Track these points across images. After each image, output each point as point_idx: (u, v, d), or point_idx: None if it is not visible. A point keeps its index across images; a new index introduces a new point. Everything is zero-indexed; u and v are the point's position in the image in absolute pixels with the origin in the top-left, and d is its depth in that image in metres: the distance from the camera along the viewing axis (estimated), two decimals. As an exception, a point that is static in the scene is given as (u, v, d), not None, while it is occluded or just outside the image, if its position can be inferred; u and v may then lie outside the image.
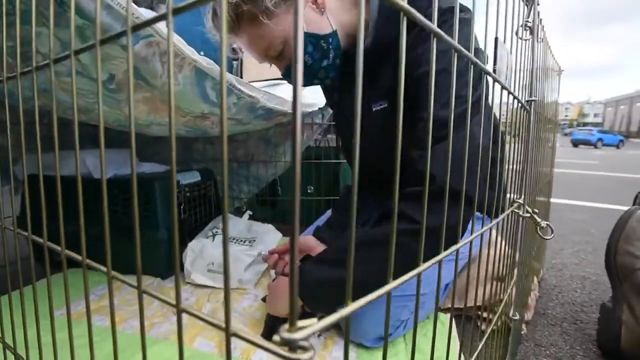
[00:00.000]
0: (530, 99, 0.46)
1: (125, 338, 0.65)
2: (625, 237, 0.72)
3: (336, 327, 0.70)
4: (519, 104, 0.46)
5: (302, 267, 0.60)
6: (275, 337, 0.14)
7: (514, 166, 0.48)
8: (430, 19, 0.20)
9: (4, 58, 0.35)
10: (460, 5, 0.58)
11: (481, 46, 0.33)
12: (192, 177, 1.04)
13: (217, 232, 0.97)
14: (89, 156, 0.95)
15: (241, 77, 1.11)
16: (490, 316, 0.50)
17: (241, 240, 0.98)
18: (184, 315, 0.18)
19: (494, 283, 0.55)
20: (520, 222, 0.50)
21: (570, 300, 0.90)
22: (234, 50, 1.35)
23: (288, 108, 0.87)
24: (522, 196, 0.50)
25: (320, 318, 0.15)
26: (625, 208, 0.77)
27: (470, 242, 0.33)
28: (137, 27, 0.19)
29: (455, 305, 0.75)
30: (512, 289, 0.54)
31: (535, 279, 0.88)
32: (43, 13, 0.41)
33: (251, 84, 0.74)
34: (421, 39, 0.57)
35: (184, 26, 0.82)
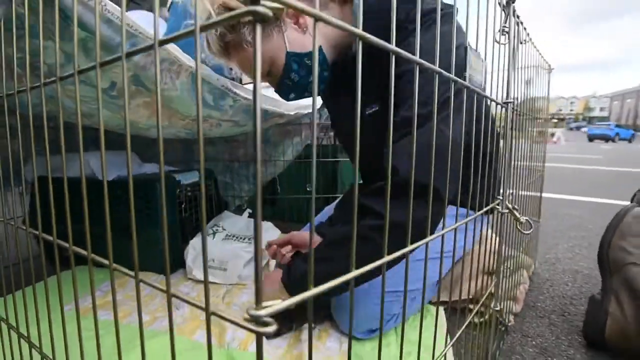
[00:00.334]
0: (507, 100, 0.48)
1: (130, 330, 0.69)
2: (620, 233, 0.74)
3: (330, 320, 0.73)
4: (497, 105, 0.49)
5: (291, 263, 0.63)
6: (245, 315, 0.17)
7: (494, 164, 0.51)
8: (414, 20, 0.23)
9: (14, 72, 0.38)
10: (443, 4, 0.60)
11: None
12: (193, 177, 1.07)
13: (217, 229, 1.01)
14: (92, 158, 0.98)
15: (241, 81, 1.14)
16: (473, 307, 0.53)
17: (241, 238, 1.01)
18: (186, 309, 0.21)
19: (483, 277, 0.58)
20: (500, 218, 0.53)
21: (561, 293, 0.93)
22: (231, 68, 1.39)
23: (284, 110, 0.90)
24: (501, 192, 0.52)
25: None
26: (625, 203, 0.78)
27: (442, 237, 0.35)
28: (163, 42, 0.22)
29: (444, 299, 0.78)
30: (493, 281, 0.56)
31: (525, 273, 0.90)
32: (49, 28, 0.44)
33: (246, 86, 0.77)
34: (404, 39, 0.60)
35: (179, 30, 0.85)
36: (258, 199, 0.17)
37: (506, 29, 0.49)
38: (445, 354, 0.38)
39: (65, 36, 0.47)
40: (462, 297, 0.73)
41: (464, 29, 0.57)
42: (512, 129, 0.51)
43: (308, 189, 1.43)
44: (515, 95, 0.56)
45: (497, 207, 0.52)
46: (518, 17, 0.55)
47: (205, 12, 0.54)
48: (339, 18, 0.65)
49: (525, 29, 0.62)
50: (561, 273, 1.06)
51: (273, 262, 1.01)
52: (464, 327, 0.46)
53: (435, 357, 0.38)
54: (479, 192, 0.49)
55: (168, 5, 0.97)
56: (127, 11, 1.05)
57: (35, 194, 0.35)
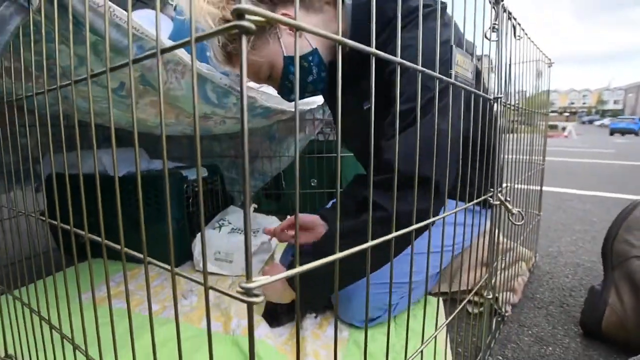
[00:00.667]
0: (497, 96, 0.50)
1: (141, 318, 0.73)
2: (627, 226, 0.74)
3: (331, 309, 0.76)
4: (487, 100, 0.50)
5: (293, 258, 0.66)
6: (238, 288, 0.20)
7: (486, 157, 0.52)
8: (403, 15, 0.25)
9: (33, 76, 0.41)
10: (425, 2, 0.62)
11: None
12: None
13: (223, 223, 1.04)
14: (104, 155, 1.03)
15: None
16: (474, 298, 0.55)
17: (246, 232, 1.05)
18: (194, 299, 0.24)
19: (482, 269, 0.60)
20: (493, 210, 0.55)
21: (560, 285, 0.94)
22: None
23: (286, 107, 0.93)
24: (494, 184, 0.54)
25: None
26: (633, 197, 0.79)
27: (429, 228, 0.37)
28: (164, 51, 0.25)
29: (444, 290, 0.80)
30: (487, 272, 0.58)
31: (524, 265, 0.91)
32: (63, 33, 0.47)
33: (249, 84, 0.80)
34: (394, 36, 0.62)
35: (185, 37, 0.89)
36: (245, 173, 0.19)
37: (496, 26, 0.51)
38: (438, 339, 0.40)
39: (77, 40, 0.50)
40: (462, 289, 0.75)
41: (458, 26, 0.58)
42: (509, 122, 0.52)
43: (312, 184, 1.46)
44: (509, 90, 0.57)
45: (490, 199, 0.54)
46: (510, 13, 0.57)
47: (207, 24, 0.59)
48: (334, 21, 0.67)
49: (519, 24, 0.63)
50: (562, 266, 1.07)
51: (277, 255, 1.04)
52: (455, 312, 0.48)
53: (424, 340, 0.41)
54: (471, 185, 0.51)
55: (174, 5, 1.00)
56: (133, 10, 1.08)
57: (53, 189, 0.39)
